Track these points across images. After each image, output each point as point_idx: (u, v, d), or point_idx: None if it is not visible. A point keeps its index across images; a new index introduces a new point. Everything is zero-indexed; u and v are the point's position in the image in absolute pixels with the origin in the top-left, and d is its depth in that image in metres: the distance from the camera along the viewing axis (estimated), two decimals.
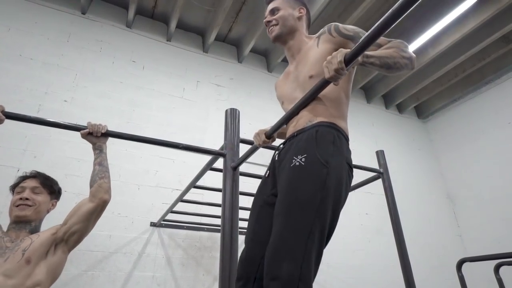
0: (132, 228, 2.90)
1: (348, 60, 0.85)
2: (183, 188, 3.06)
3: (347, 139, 1.13)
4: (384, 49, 1.07)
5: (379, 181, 2.33)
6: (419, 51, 4.18)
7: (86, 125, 1.29)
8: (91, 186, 1.40)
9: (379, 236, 4.07)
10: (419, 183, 4.86)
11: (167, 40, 3.93)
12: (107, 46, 3.53)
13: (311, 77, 1.16)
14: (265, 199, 1.13)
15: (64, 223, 1.38)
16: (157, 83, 3.63)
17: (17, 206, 1.34)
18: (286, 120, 1.17)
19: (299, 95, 1.17)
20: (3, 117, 1.16)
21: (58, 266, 1.33)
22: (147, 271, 2.80)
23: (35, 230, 1.39)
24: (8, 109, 2.99)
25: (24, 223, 1.35)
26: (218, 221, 2.99)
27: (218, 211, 2.75)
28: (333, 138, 1.05)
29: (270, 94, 4.36)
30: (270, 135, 1.27)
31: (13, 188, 1.43)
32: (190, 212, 2.80)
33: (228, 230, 1.33)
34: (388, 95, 5.24)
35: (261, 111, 4.17)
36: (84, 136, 1.29)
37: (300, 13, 1.33)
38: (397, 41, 1.10)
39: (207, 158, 3.24)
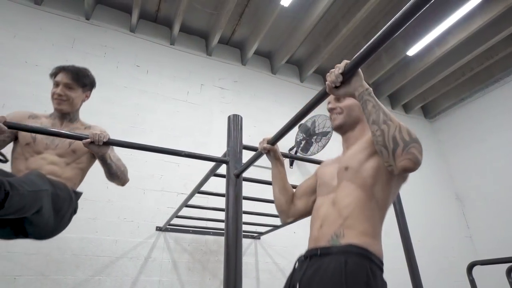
0: (138, 232, 2.90)
1: (349, 69, 0.87)
2: (189, 192, 3.06)
3: (382, 269, 0.92)
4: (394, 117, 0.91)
5: None
6: (425, 51, 4.13)
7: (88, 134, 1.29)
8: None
9: (386, 239, 4.01)
10: (427, 184, 4.79)
11: (171, 44, 3.94)
12: (111, 51, 3.55)
13: (346, 168, 1.04)
14: None
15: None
16: (161, 87, 3.64)
17: (54, 99, 1.53)
18: (290, 127, 1.16)
19: (334, 184, 1.08)
20: (5, 127, 1.16)
21: (93, 163, 1.65)
22: (153, 276, 2.80)
23: (73, 119, 1.64)
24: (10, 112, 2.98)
25: (63, 114, 1.57)
26: (223, 225, 2.97)
27: (223, 215, 2.75)
28: (367, 277, 0.85)
29: (275, 96, 4.34)
30: (272, 143, 1.27)
31: (52, 76, 1.57)
32: (195, 216, 2.79)
33: (232, 236, 1.32)
34: (394, 95, 5.18)
35: (266, 113, 4.15)
36: (86, 145, 1.29)
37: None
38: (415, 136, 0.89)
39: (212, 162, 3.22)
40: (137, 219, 2.94)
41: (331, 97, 1.21)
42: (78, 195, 1.55)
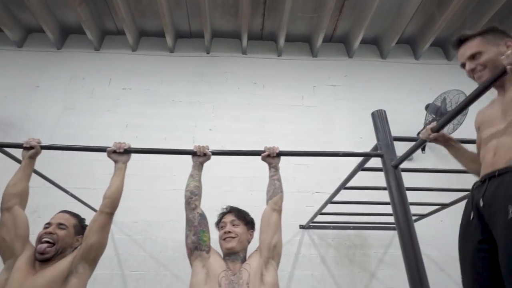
0: (285, 231, 3.12)
1: None
2: (323, 190, 3.21)
3: None
4: None
5: None
6: None
7: (263, 149, 1.57)
8: (273, 197, 1.67)
9: None
10: None
11: (278, 56, 4.22)
12: (231, 76, 4.05)
13: None
14: (477, 246, 1.11)
15: (263, 242, 1.62)
16: (277, 97, 3.93)
17: (223, 239, 1.61)
18: (458, 112, 1.17)
19: (500, 117, 1.12)
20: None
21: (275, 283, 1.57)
22: (305, 270, 3.03)
23: (244, 259, 1.61)
24: (169, 143, 3.59)
25: (234, 254, 1.58)
26: (364, 219, 3.01)
27: (363, 208, 2.78)
28: None
29: (389, 82, 4.15)
30: (437, 130, 1.28)
31: (217, 224, 1.75)
32: (336, 212, 2.89)
33: (405, 227, 1.37)
34: None
35: (382, 101, 3.97)
36: (264, 158, 1.57)
37: (509, 46, 1.13)
38: None
39: (339, 160, 3.30)
40: (282, 220, 3.23)
41: (463, 57, 1.19)
42: None
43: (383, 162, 1.54)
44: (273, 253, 1.59)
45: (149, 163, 3.31)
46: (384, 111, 1.73)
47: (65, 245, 1.49)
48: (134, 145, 3.50)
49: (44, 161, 2.05)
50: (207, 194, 3.25)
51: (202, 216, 1.60)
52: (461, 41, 1.20)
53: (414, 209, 2.89)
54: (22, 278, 1.32)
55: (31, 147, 1.54)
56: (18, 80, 3.82)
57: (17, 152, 1.99)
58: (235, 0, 3.75)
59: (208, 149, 1.62)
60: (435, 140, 1.32)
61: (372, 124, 3.72)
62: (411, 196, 2.60)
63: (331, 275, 3.03)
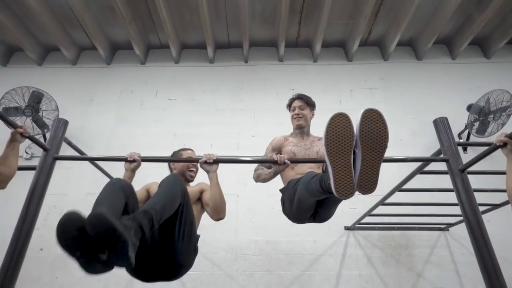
0: (330, 233, 3.31)
1: None
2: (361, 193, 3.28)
3: None
4: None
5: None
6: None
7: None
8: None
9: None
10: None
11: (314, 62, 4.34)
12: (269, 83, 4.20)
13: None
14: None
15: None
16: (316, 102, 4.03)
17: (294, 118, 2.13)
18: None
19: None
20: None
21: None
22: (353, 270, 3.13)
23: (308, 132, 2.14)
24: (215, 150, 3.80)
25: (301, 128, 2.11)
26: (407, 219, 3.07)
27: (405, 209, 2.84)
28: None
29: (426, 83, 4.17)
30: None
31: (288, 106, 2.24)
32: (385, 213, 2.96)
33: (476, 228, 1.46)
34: None
35: (421, 102, 4.03)
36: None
37: None
38: None
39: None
40: (328, 221, 3.35)
41: None
42: None
43: (449, 167, 1.62)
44: None
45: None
46: (446, 118, 1.81)
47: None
48: None
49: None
50: (256, 198, 3.42)
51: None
52: None
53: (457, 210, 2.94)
54: None
55: (133, 160, 1.74)
56: (74, 95, 4.15)
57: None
58: (273, 9, 3.90)
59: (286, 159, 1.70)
60: (503, 146, 1.32)
61: (412, 126, 3.80)
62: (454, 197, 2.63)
63: (379, 275, 3.12)
